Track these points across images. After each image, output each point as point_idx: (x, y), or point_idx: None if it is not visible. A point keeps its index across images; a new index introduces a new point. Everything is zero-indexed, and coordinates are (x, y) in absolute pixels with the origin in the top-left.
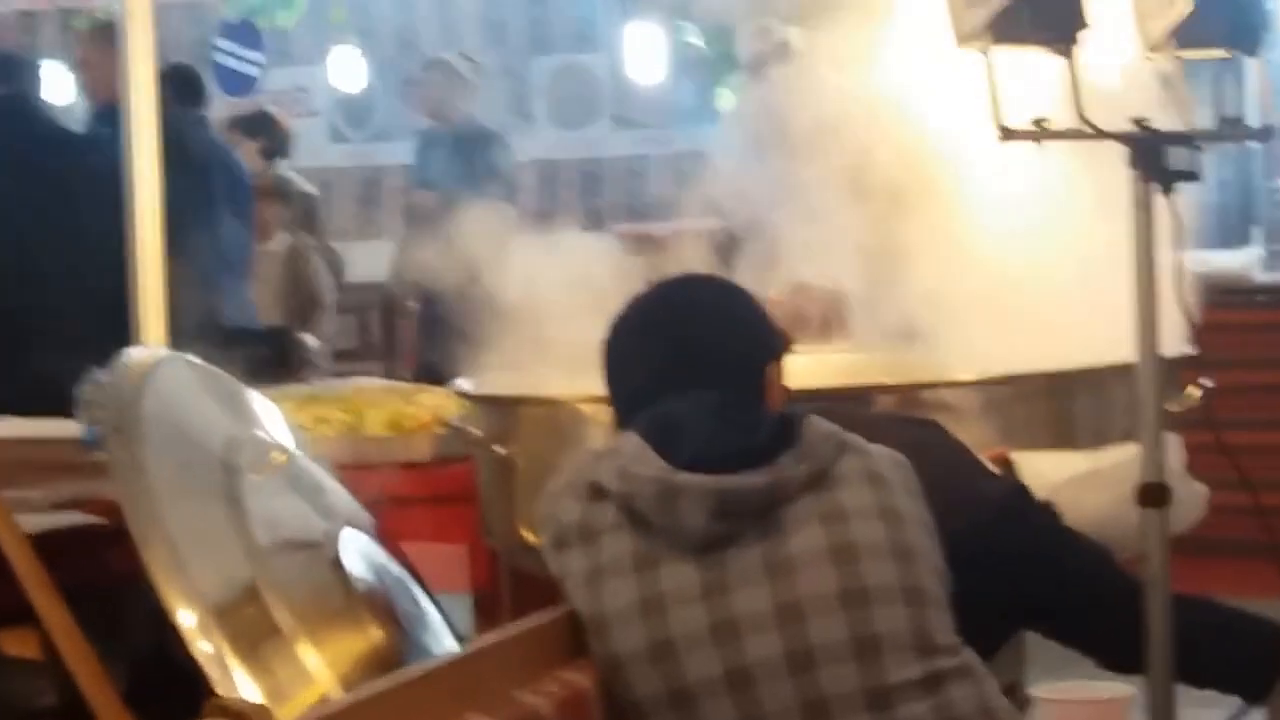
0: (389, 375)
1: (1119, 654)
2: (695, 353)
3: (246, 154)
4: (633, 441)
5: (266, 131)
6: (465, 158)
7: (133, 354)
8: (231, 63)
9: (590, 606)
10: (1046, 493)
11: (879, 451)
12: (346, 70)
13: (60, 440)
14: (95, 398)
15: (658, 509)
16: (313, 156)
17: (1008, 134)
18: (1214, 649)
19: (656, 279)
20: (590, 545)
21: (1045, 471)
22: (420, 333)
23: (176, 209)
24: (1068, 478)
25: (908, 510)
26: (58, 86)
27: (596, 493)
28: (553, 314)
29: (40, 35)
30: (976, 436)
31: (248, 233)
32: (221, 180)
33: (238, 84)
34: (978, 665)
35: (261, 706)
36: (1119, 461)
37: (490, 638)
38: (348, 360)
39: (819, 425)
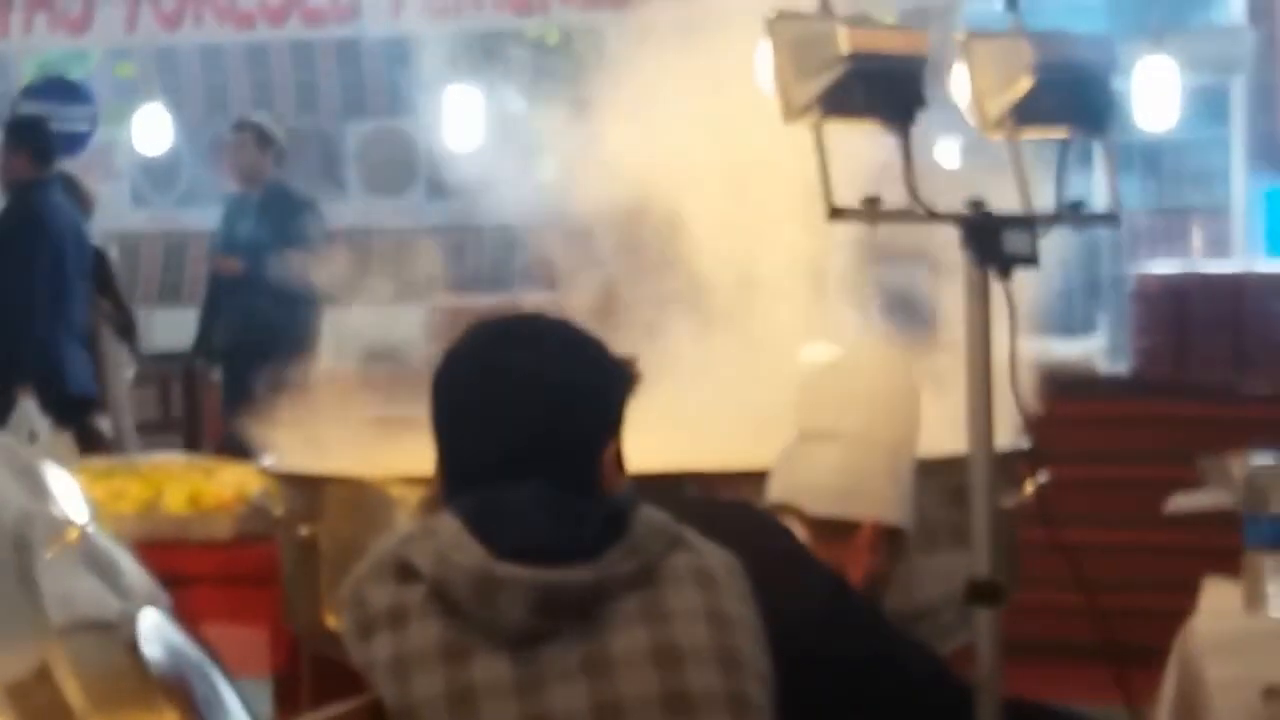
0: (191, 448)
1: None
2: (531, 434)
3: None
4: (451, 525)
5: (70, 193)
6: (274, 223)
7: None
8: (53, 124)
9: (396, 697)
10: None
11: (710, 550)
12: (151, 131)
13: None
14: None
15: (474, 599)
16: (115, 219)
17: (837, 213)
18: None
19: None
20: (398, 632)
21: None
22: (224, 405)
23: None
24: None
25: (736, 614)
26: None
27: (407, 574)
28: (360, 389)
29: None
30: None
31: (88, 297)
32: (71, 245)
33: (68, 143)
34: None
35: None
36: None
37: None
38: (148, 433)
39: (650, 518)
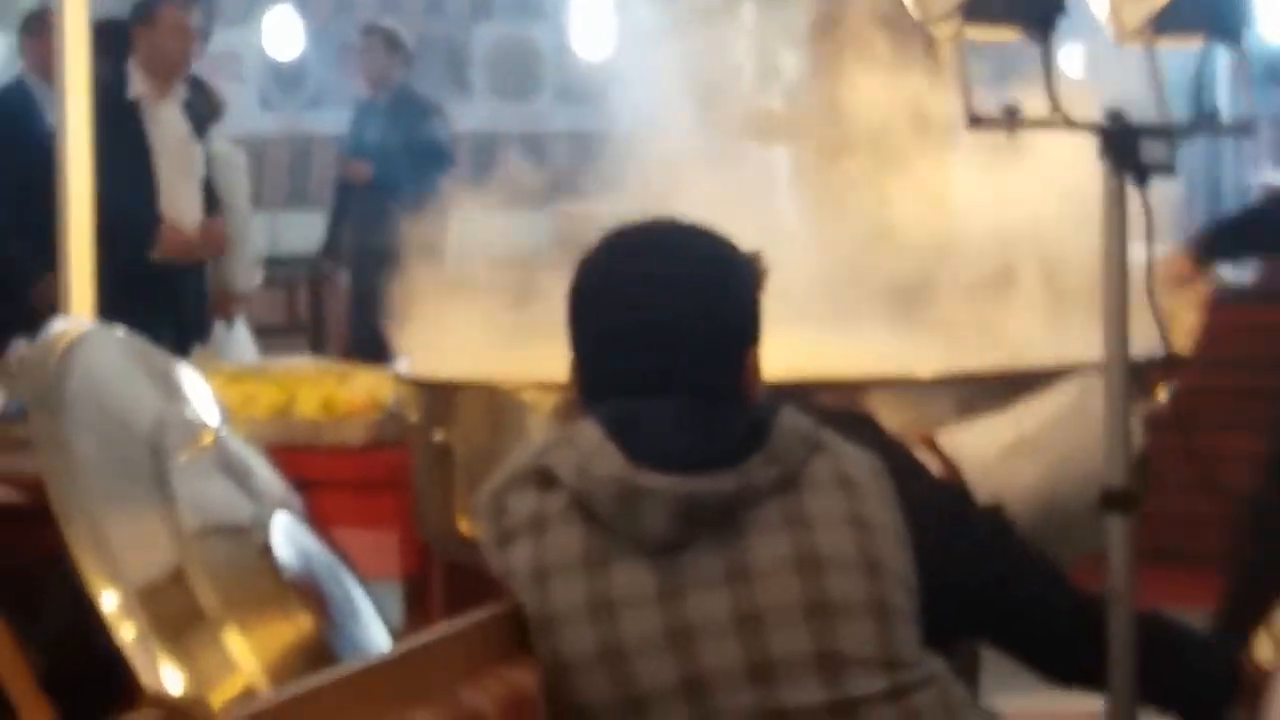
0: (317, 352)
1: (1066, 668)
2: (674, 341)
3: None
4: (592, 433)
5: (196, 97)
6: (402, 127)
7: (59, 326)
8: None
9: (536, 605)
10: (981, 469)
11: (853, 453)
12: (280, 35)
13: None
14: (18, 370)
15: (616, 509)
16: (242, 123)
17: (977, 121)
18: (1166, 671)
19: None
20: (538, 540)
21: (973, 446)
22: (351, 309)
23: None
24: (998, 451)
25: (879, 518)
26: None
27: (548, 483)
28: (491, 291)
29: None
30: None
31: None
32: None
33: None
34: (944, 673)
35: (197, 699)
36: (1043, 422)
37: (433, 632)
38: (274, 336)
39: (792, 422)
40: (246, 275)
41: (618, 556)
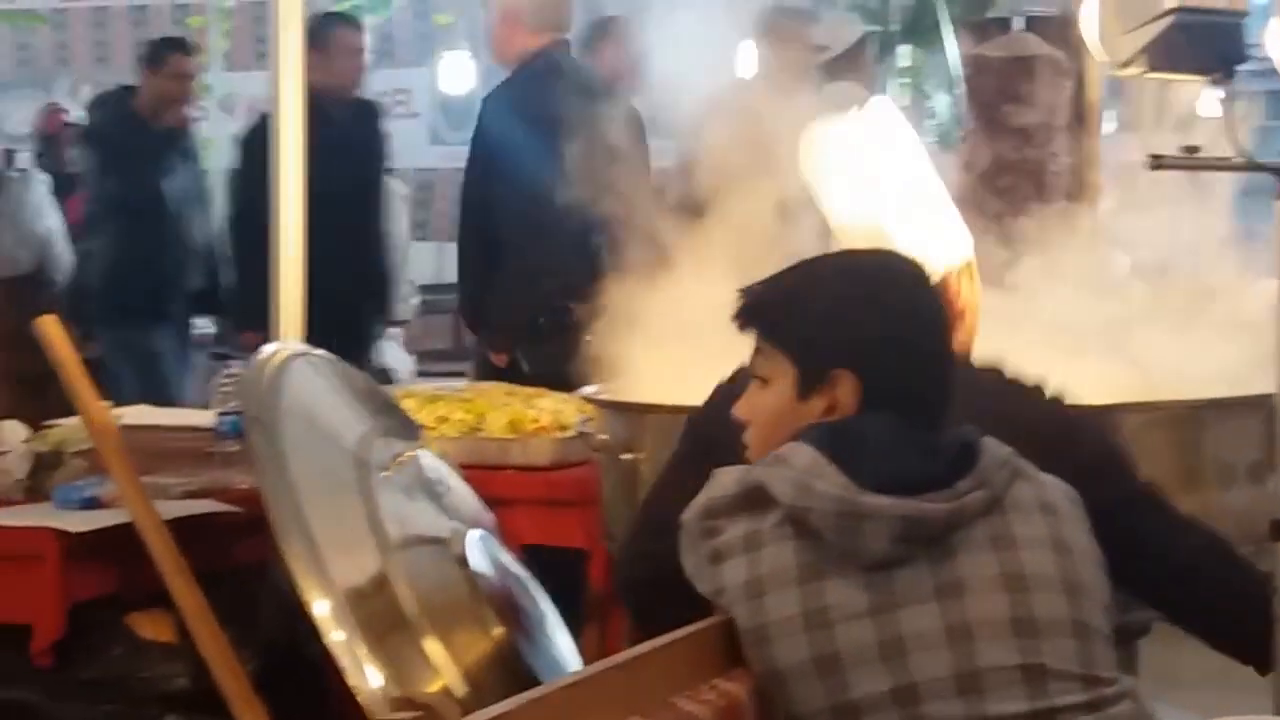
0: (479, 378)
1: (1236, 639)
2: (886, 366)
3: None
4: (806, 454)
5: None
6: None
7: (270, 348)
8: None
9: (751, 617)
10: None
11: (1051, 481)
12: (454, 73)
13: (193, 429)
14: (233, 389)
15: (837, 527)
16: (412, 157)
17: (1158, 162)
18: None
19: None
20: (752, 556)
21: None
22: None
23: None
24: None
25: (1078, 543)
26: None
27: (760, 502)
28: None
29: (153, 30)
30: None
31: None
32: None
33: None
34: (1137, 690)
35: (442, 699)
36: None
37: (652, 644)
38: (439, 360)
39: (993, 449)
40: (402, 303)
41: (832, 571)
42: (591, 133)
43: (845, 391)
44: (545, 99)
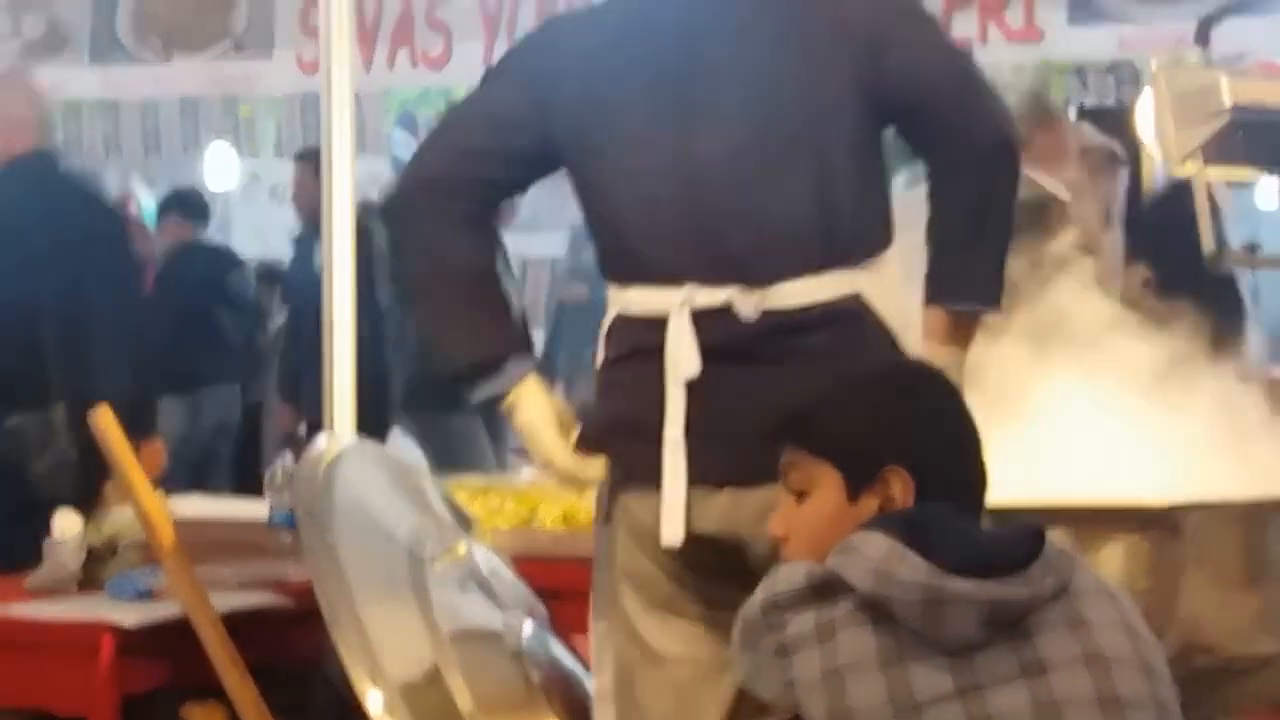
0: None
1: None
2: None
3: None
4: (881, 541)
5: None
6: None
7: (323, 440)
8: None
9: (833, 708)
10: None
11: (1100, 574)
12: None
13: (247, 522)
14: (286, 482)
15: (920, 613)
16: None
17: (1218, 259)
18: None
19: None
20: (826, 645)
21: None
22: None
23: None
24: None
25: (1141, 628)
26: (224, 169)
27: (828, 591)
28: None
29: (204, 120)
30: (1164, 561)
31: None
32: None
33: None
34: None
35: None
36: None
37: None
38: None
39: (1051, 539)
40: None
41: (913, 656)
42: None
43: (899, 487)
44: None
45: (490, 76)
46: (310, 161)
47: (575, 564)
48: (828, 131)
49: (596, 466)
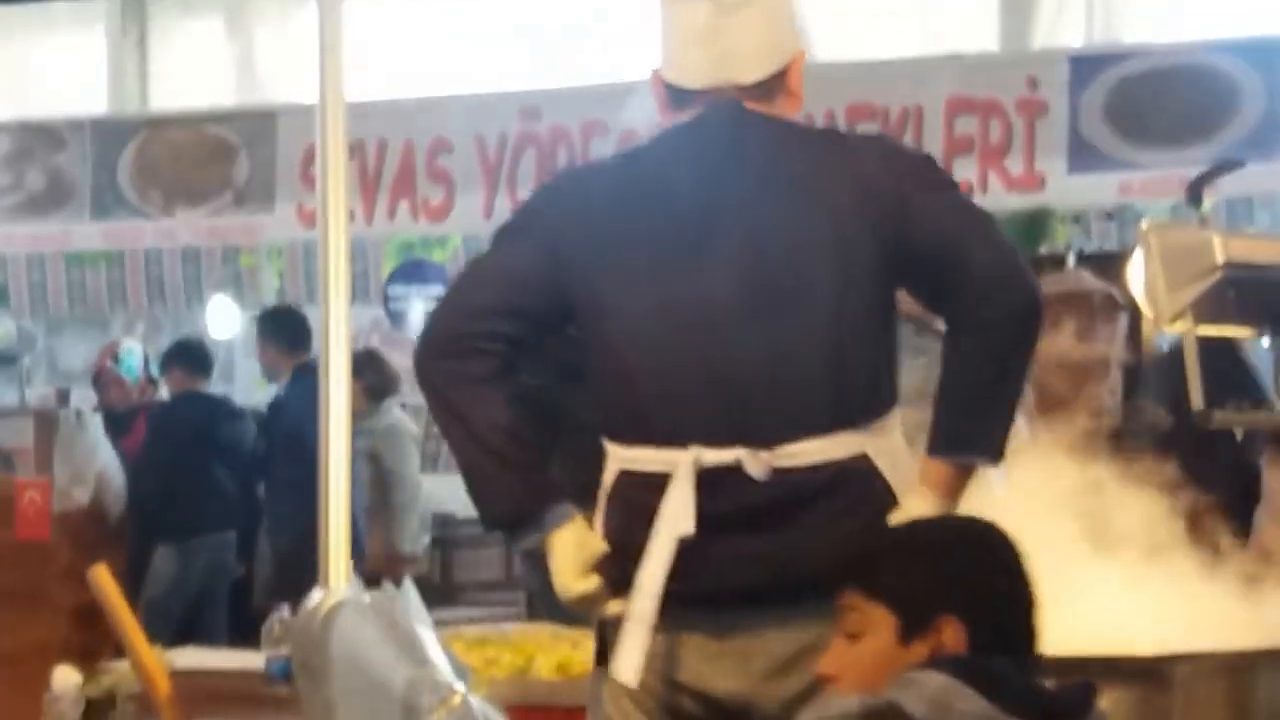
0: (531, 610)
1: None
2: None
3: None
4: (938, 678)
5: (374, 370)
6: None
7: (319, 594)
8: (419, 305)
9: None
10: None
11: None
12: None
13: (244, 673)
14: (283, 634)
15: None
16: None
17: (1207, 415)
18: None
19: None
20: None
21: None
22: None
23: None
24: None
25: None
26: (226, 319)
27: (887, 717)
28: None
29: (206, 270)
30: (1152, 714)
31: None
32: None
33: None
34: None
35: None
36: None
37: None
38: (493, 591)
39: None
40: (413, 539)
41: None
42: None
43: (951, 636)
44: None
45: (503, 233)
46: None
47: (571, 713)
48: (847, 292)
49: (592, 582)
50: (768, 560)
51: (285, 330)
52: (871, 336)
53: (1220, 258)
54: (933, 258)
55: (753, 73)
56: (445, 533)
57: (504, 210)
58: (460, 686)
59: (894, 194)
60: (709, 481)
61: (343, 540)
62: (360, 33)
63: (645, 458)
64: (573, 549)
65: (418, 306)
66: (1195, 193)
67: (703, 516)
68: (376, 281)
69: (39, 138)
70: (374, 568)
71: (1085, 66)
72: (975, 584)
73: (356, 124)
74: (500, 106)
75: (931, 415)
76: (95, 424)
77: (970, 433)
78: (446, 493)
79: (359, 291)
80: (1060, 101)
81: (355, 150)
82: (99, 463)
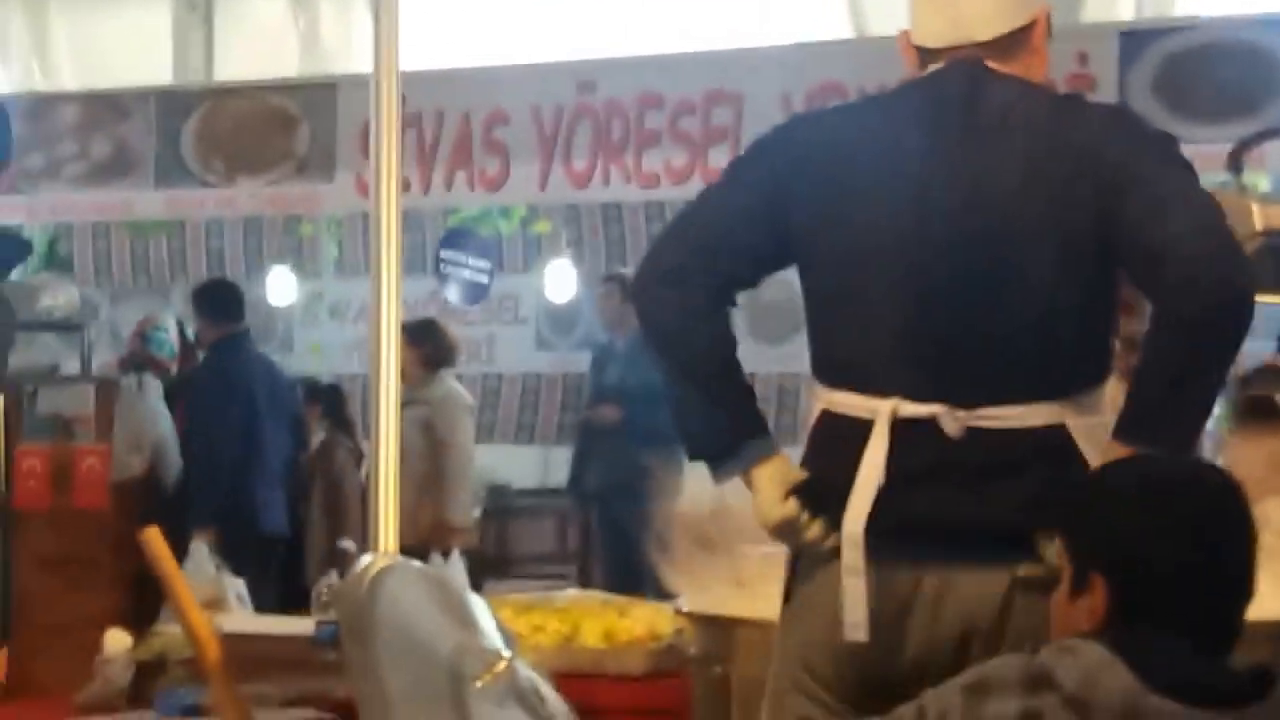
0: (582, 581)
1: None
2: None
3: (409, 362)
4: (1095, 650)
5: (432, 340)
6: (640, 368)
7: (367, 559)
8: (465, 273)
9: None
10: None
11: None
12: (558, 281)
13: (293, 638)
14: (331, 599)
15: None
16: (521, 362)
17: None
18: None
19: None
20: None
21: None
22: (602, 543)
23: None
24: None
25: None
26: (283, 290)
27: (1039, 685)
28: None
29: (266, 239)
30: None
31: (291, 439)
32: (263, 394)
33: (471, 292)
34: None
35: None
36: None
37: None
38: (546, 563)
39: None
40: (464, 510)
41: None
42: None
43: (1097, 598)
44: None
45: (731, 171)
46: (615, 281)
47: (617, 680)
48: (1062, 264)
49: (789, 507)
50: (957, 512)
51: (213, 302)
52: (1083, 309)
53: (1259, 224)
54: (1142, 241)
55: (990, 29)
56: (499, 504)
57: (559, 181)
58: (507, 653)
59: (1118, 169)
60: (906, 434)
61: (391, 506)
62: (418, 3)
63: (847, 402)
64: (773, 481)
65: (464, 275)
66: (1236, 160)
67: (897, 468)
68: (434, 253)
69: (105, 108)
70: (424, 538)
71: (1134, 41)
72: (1129, 546)
73: (414, 95)
74: (556, 78)
75: (1123, 398)
76: (156, 390)
77: (1159, 423)
78: (501, 464)
79: (415, 263)
80: (1109, 77)
81: (412, 121)
82: (157, 431)
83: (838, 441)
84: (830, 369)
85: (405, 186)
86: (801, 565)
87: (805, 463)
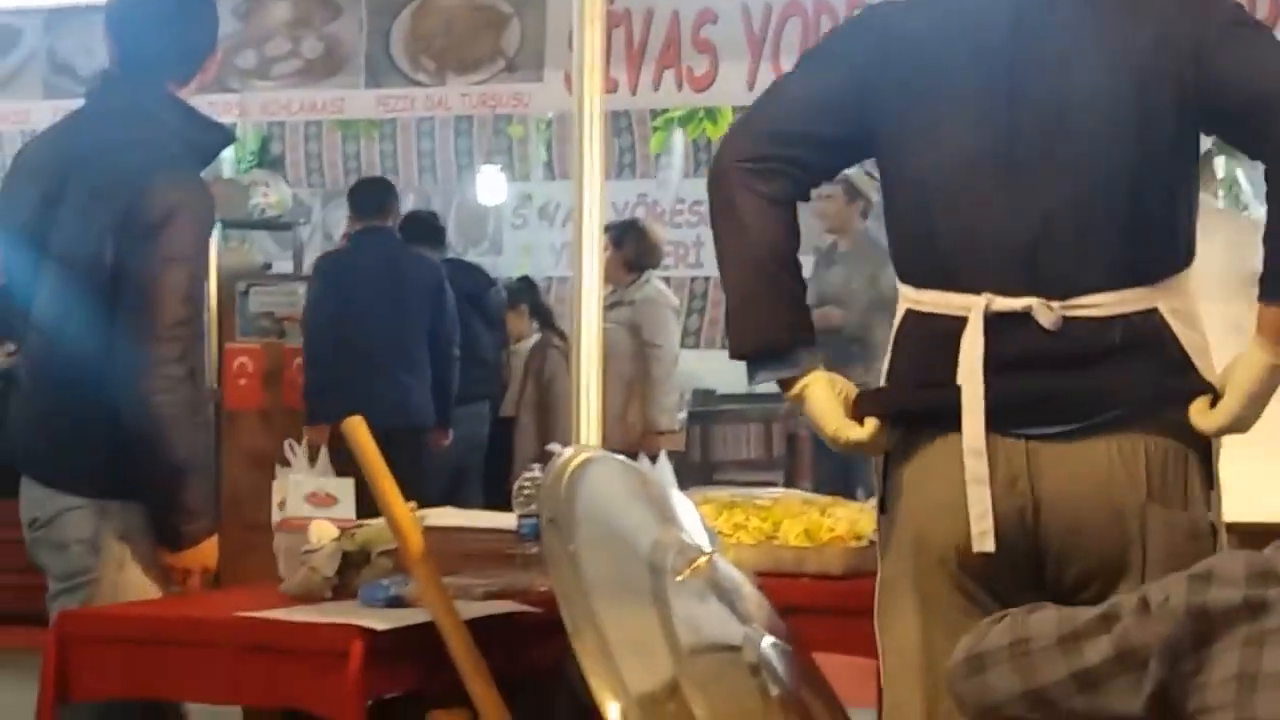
0: (790, 485)
1: None
2: None
3: (612, 264)
4: None
5: (635, 241)
6: (862, 273)
7: (568, 452)
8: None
9: (1241, 712)
10: None
11: None
12: None
13: (496, 531)
14: (532, 492)
15: None
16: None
17: None
18: None
19: None
20: (1250, 651)
21: None
22: (811, 449)
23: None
24: None
25: None
26: (493, 188)
27: (1269, 578)
28: None
29: (476, 140)
30: None
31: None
32: (412, 288)
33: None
34: None
35: None
36: None
37: None
38: (754, 470)
39: None
40: (669, 414)
41: None
42: None
43: None
44: None
45: (810, 58)
46: (840, 183)
47: (817, 580)
48: (1146, 145)
49: (869, 427)
50: (1057, 396)
51: (356, 196)
52: (1169, 190)
53: None
54: (1237, 102)
55: None
56: (705, 408)
57: (768, 82)
58: (708, 549)
59: (1194, 40)
60: (999, 328)
61: (595, 401)
62: None
63: (936, 301)
64: (832, 398)
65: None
66: None
67: (992, 361)
68: (643, 155)
69: (316, 6)
70: (631, 440)
71: None
72: None
73: None
74: None
75: (1263, 259)
76: None
77: None
78: (707, 369)
79: (623, 165)
80: None
81: (619, 20)
82: None
83: (926, 340)
84: (916, 267)
85: (613, 87)
86: (890, 469)
87: (892, 362)
